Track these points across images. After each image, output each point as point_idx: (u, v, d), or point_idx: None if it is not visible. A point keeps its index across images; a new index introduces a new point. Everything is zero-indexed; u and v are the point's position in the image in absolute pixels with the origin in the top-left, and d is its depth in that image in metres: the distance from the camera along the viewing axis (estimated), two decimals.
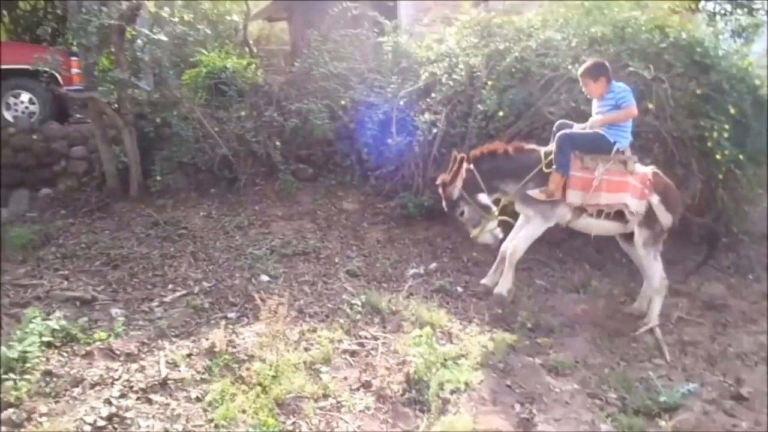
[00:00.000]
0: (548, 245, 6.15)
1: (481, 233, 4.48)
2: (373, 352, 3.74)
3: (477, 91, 6.31)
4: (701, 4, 10.13)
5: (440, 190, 4.48)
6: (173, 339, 3.77)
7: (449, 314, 4.44)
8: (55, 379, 3.14)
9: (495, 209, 4.53)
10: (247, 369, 3.33)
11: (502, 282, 4.51)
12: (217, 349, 3.48)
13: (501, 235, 4.58)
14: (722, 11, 10.04)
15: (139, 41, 6.18)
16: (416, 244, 6.08)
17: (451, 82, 6.46)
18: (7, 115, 7.46)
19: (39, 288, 4.48)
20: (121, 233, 5.93)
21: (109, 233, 5.94)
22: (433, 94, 6.53)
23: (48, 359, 3.32)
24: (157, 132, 6.89)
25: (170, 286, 4.76)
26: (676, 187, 4.81)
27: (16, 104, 7.57)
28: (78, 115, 7.97)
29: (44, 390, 3.03)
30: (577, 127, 4.54)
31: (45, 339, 3.44)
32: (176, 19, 6.59)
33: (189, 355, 3.48)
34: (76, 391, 3.08)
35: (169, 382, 3.22)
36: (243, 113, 7.28)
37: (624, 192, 4.37)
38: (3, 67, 7.51)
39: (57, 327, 3.56)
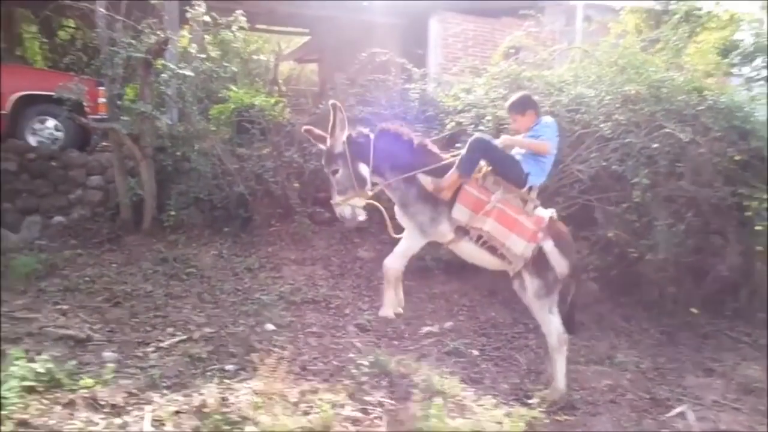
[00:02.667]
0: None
1: (344, 203, 4.04)
2: (377, 422, 3.43)
3: None
4: (736, 69, 9.94)
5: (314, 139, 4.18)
6: (164, 391, 3.50)
7: (463, 382, 4.11)
8: (30, 431, 2.89)
9: (370, 188, 4.09)
10: None
11: (384, 303, 4.16)
12: (207, 409, 3.20)
13: (362, 218, 4.16)
14: (757, 76, 9.83)
15: (164, 75, 6.13)
16: (432, 299, 5.80)
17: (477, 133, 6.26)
18: (32, 140, 7.46)
19: (34, 323, 4.28)
20: (128, 268, 5.77)
21: (117, 267, 5.78)
22: (458, 145, 6.33)
23: (27, 406, 3.08)
24: (176, 166, 6.81)
25: (169, 330, 4.53)
26: (569, 233, 4.38)
27: (41, 130, 7.58)
28: (104, 143, 7.94)
29: None
30: None
31: (27, 383, 3.20)
32: (203, 56, 6.54)
33: (177, 413, 3.21)
34: None
35: None
36: (264, 152, 7.17)
37: (510, 230, 3.97)
38: (31, 93, 7.57)
39: (42, 370, 3.32)
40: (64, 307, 4.69)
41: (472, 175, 3.97)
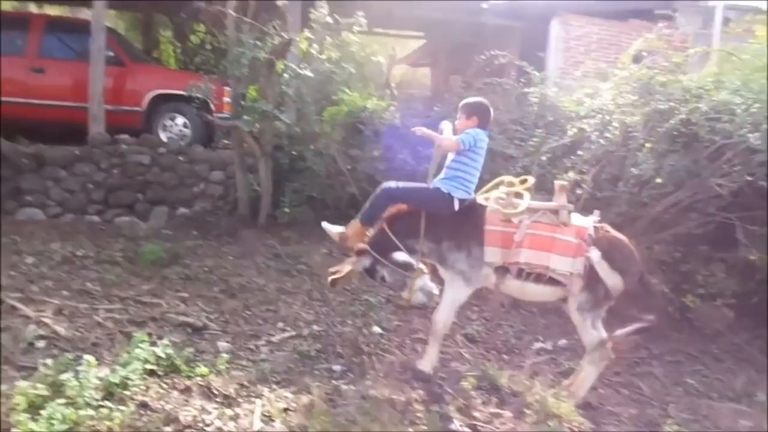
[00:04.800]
0: (701, 337, 5.32)
1: (412, 294, 3.89)
2: None
3: (631, 153, 5.68)
4: None
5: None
6: (273, 386, 3.53)
7: (579, 407, 3.81)
8: (149, 413, 3.00)
9: (418, 265, 3.89)
10: None
11: (426, 357, 3.93)
12: (316, 409, 3.17)
13: (436, 291, 3.96)
14: None
15: (286, 75, 6.29)
16: (543, 314, 5.48)
17: (602, 140, 5.88)
18: (162, 136, 8.00)
19: (157, 308, 4.49)
20: (243, 261, 5.94)
21: (233, 259, 5.98)
22: (579, 152, 5.99)
23: (147, 389, 3.20)
24: (292, 164, 6.96)
25: (280, 325, 4.59)
26: (627, 243, 3.89)
27: (171, 126, 8.10)
28: (225, 141, 8.32)
29: (136, 424, 2.88)
30: None
31: (149, 366, 3.34)
32: (324, 57, 6.64)
33: (286, 410, 3.21)
34: (167, 430, 2.91)
35: None
36: (376, 153, 7.18)
37: (548, 251, 3.65)
38: (164, 92, 8.10)
39: (162, 355, 3.46)
40: (185, 294, 4.89)
41: (374, 225, 3.93)
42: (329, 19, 6.40)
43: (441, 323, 3.91)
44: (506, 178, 4.16)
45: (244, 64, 6.14)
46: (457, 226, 3.90)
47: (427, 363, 3.92)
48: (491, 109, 4.05)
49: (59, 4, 11.84)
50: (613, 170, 5.77)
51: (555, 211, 3.81)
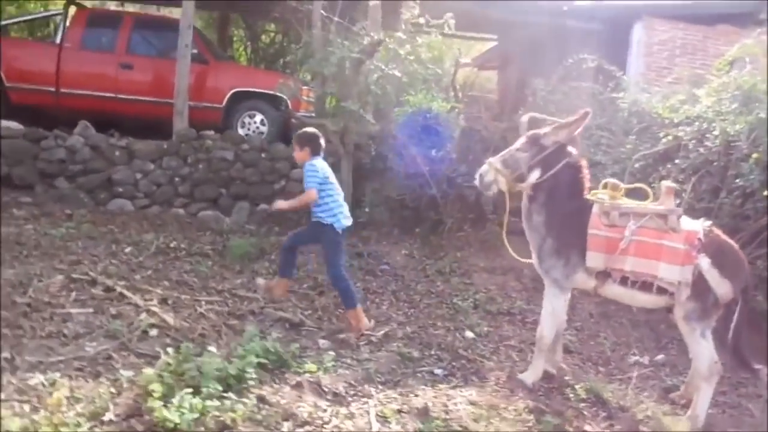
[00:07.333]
0: None
1: (494, 170, 3.83)
2: None
3: (734, 164, 5.43)
4: None
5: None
6: (380, 387, 3.51)
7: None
8: (267, 407, 3.02)
9: (521, 187, 3.86)
10: None
11: (531, 370, 3.85)
12: (430, 412, 3.13)
13: (490, 192, 4.01)
14: None
15: (374, 76, 6.30)
16: (635, 326, 5.30)
17: (701, 149, 5.65)
18: (241, 132, 8.13)
19: (254, 302, 4.55)
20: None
21: (315, 257, 6.02)
22: (677, 161, 5.77)
23: (261, 383, 3.23)
24: (372, 164, 6.97)
25: (372, 323, 4.58)
26: (736, 250, 3.69)
27: (249, 123, 8.23)
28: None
29: (257, 417, 2.90)
30: None
31: (260, 360, 3.37)
32: (412, 57, 6.62)
33: (399, 411, 3.18)
34: (286, 425, 2.92)
35: None
36: (454, 155, 7.10)
37: (656, 259, 3.50)
38: (244, 89, 8.25)
39: (272, 349, 3.49)
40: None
41: (291, 276, 4.74)
42: (421, 20, 6.37)
43: (547, 338, 3.83)
44: (610, 181, 4.02)
45: (333, 63, 6.17)
46: (563, 226, 3.80)
47: (531, 375, 3.84)
48: (321, 138, 4.47)
49: (141, 2, 12.22)
50: (713, 181, 5.54)
51: (663, 216, 3.67)
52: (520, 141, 3.92)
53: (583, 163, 3.92)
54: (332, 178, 4.41)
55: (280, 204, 4.49)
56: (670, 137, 6.07)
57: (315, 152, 4.39)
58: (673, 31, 9.63)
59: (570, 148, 3.83)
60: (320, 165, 4.35)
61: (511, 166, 3.83)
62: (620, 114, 6.88)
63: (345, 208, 4.43)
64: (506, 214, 4.12)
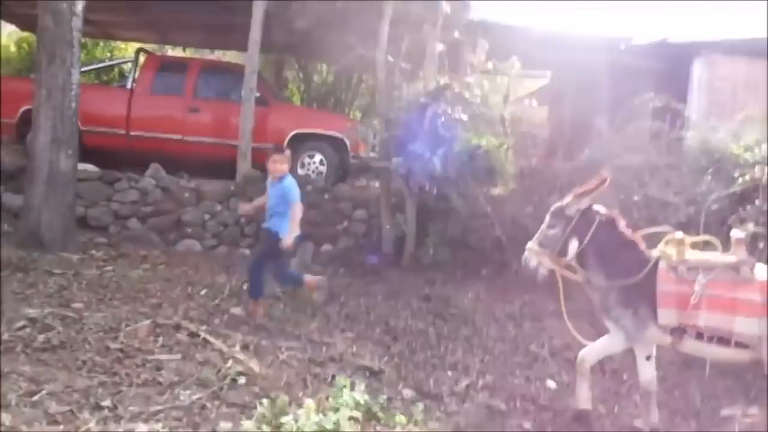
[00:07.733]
0: None
1: (535, 254, 3.85)
2: None
3: None
4: None
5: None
6: None
7: None
8: None
9: (566, 262, 3.86)
10: None
11: (579, 396, 3.81)
12: None
13: (541, 276, 3.93)
14: None
15: (441, 119, 6.36)
16: (720, 376, 5.08)
17: None
18: (301, 172, 8.28)
19: (332, 348, 4.55)
20: (393, 301, 5.96)
21: (382, 299, 6.01)
22: (757, 202, 5.60)
23: None
24: (436, 205, 6.98)
25: (449, 373, 4.51)
26: None
27: (309, 164, 8.39)
28: (363, 180, 8.52)
29: None
30: None
31: (351, 413, 3.34)
32: (479, 100, 6.67)
33: None
34: None
35: None
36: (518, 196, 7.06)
37: (732, 314, 3.35)
38: (305, 131, 8.42)
39: (361, 401, 3.45)
40: (351, 335, 4.94)
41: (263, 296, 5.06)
42: (490, 65, 6.44)
43: (587, 363, 3.85)
44: (674, 235, 3.89)
45: (399, 107, 6.26)
46: (626, 281, 3.71)
47: (583, 401, 3.83)
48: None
49: (201, 47, 12.71)
50: None
51: (735, 267, 3.54)
52: (547, 218, 3.95)
53: (616, 215, 3.90)
54: None
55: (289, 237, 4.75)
56: (746, 177, 5.92)
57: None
58: (735, 66, 9.46)
59: (596, 207, 3.83)
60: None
61: (547, 245, 3.86)
62: (689, 153, 6.74)
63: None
64: (560, 292, 4.05)
